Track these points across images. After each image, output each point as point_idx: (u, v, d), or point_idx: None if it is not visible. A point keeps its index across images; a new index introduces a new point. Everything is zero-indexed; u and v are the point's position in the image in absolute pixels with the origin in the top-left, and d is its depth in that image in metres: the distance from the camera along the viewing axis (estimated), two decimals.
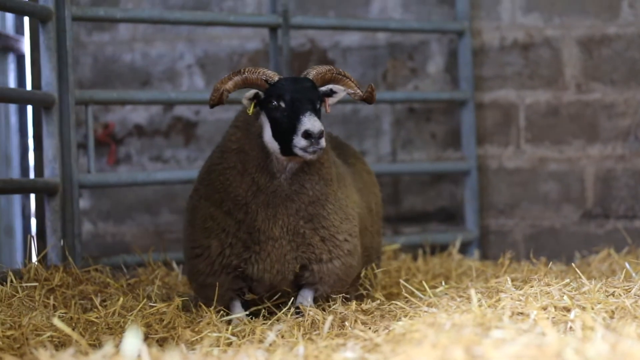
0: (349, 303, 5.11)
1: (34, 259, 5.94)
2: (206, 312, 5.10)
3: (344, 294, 5.27)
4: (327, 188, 5.19)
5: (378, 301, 5.23)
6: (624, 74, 7.80)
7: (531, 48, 7.90)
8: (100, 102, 6.60)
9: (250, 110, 5.07)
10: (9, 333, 4.59)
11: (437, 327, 3.88)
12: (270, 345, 4.32)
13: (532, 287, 4.86)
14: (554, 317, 4.31)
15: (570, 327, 4.11)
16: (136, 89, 8.06)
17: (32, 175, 6.97)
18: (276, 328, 4.69)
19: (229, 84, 5.04)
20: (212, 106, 5.07)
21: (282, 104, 4.99)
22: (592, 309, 4.41)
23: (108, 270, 6.14)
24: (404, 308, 4.95)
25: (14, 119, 7.54)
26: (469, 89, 7.82)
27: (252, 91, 5.05)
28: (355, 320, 4.85)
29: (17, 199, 7.56)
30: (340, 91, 5.16)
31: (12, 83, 7.51)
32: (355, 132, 7.97)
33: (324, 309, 5.13)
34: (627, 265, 5.85)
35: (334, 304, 5.12)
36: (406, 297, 5.27)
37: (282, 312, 5.09)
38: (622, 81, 7.79)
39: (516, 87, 7.93)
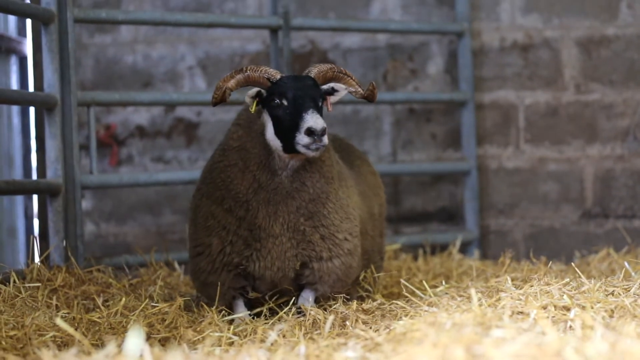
0: (350, 303, 5.12)
1: (37, 259, 5.95)
2: (208, 312, 5.11)
3: (345, 295, 5.28)
4: (327, 186, 5.20)
5: (379, 301, 5.24)
6: (622, 74, 7.82)
7: (530, 49, 7.92)
8: (102, 104, 6.60)
9: (253, 109, 5.08)
10: (12, 333, 4.59)
11: (437, 326, 3.89)
12: (272, 344, 4.32)
13: (532, 286, 4.86)
14: (553, 316, 4.31)
15: (570, 326, 4.12)
16: (138, 90, 8.07)
17: (34, 176, 7.00)
18: (277, 328, 4.69)
19: (232, 82, 5.05)
20: (214, 104, 5.08)
21: (285, 102, 5.01)
22: (592, 308, 4.41)
23: (110, 271, 6.15)
24: (405, 307, 4.96)
25: (16, 121, 7.55)
26: (468, 89, 7.84)
27: (255, 89, 5.06)
28: (356, 320, 4.85)
29: (19, 199, 7.57)
30: (342, 89, 5.17)
31: (14, 85, 7.53)
32: (356, 132, 7.99)
33: (325, 309, 5.13)
34: (626, 264, 5.85)
35: (335, 304, 5.13)
36: (407, 297, 5.27)
37: (283, 311, 5.10)
38: (621, 82, 7.81)
39: (516, 88, 7.95)
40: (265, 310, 5.26)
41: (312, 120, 4.91)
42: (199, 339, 4.67)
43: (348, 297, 5.31)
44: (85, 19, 6.44)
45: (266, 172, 5.12)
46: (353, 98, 5.76)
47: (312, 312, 4.93)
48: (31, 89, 7.26)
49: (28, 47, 7.39)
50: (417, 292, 5.29)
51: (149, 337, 4.76)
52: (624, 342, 3.41)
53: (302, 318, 4.94)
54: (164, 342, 4.75)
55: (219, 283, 5.23)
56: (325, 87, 5.14)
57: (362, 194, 5.65)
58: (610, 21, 7.83)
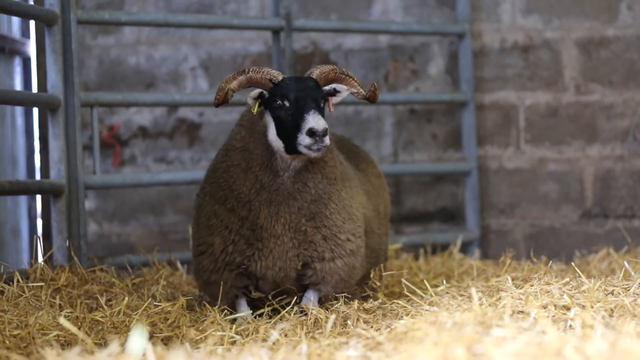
0: (351, 302, 5.14)
1: (40, 259, 5.95)
2: (210, 311, 5.12)
3: (348, 294, 5.29)
4: (330, 187, 5.21)
5: (380, 300, 5.25)
6: (622, 75, 7.83)
7: (531, 50, 7.94)
8: (105, 104, 6.61)
9: (255, 110, 5.09)
10: (15, 332, 4.59)
11: (438, 325, 3.90)
12: (274, 343, 4.33)
13: (532, 286, 4.86)
14: (554, 316, 4.31)
15: (570, 326, 4.12)
16: (141, 91, 8.09)
17: (38, 177, 7.01)
18: (279, 327, 4.69)
19: (234, 84, 5.06)
20: (217, 105, 5.09)
21: (286, 103, 5.02)
22: (592, 307, 4.41)
23: (113, 270, 6.15)
24: (406, 307, 4.96)
25: (20, 121, 7.56)
26: (469, 90, 7.86)
27: (257, 90, 5.07)
28: (358, 319, 4.85)
29: (23, 200, 7.58)
30: (344, 90, 5.18)
31: (18, 86, 7.53)
32: (357, 133, 8.00)
33: (327, 308, 5.14)
34: (626, 264, 5.85)
35: (336, 303, 5.15)
36: (408, 296, 5.28)
37: (285, 311, 5.11)
38: (620, 82, 7.83)
39: (516, 89, 7.96)
40: (267, 309, 5.27)
41: (314, 121, 4.92)
42: (201, 338, 4.67)
43: (350, 296, 5.31)
44: (88, 20, 6.45)
45: (268, 173, 5.14)
46: (355, 99, 5.78)
47: (313, 312, 4.94)
48: (35, 89, 7.29)
49: (32, 49, 7.41)
50: (418, 291, 5.29)
51: (151, 336, 4.76)
52: (623, 341, 3.42)
53: (303, 317, 4.95)
54: (166, 341, 4.75)
55: (222, 282, 5.25)
56: (327, 88, 5.15)
57: (367, 192, 5.66)
58: (610, 22, 7.85)
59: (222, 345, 4.53)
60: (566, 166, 7.91)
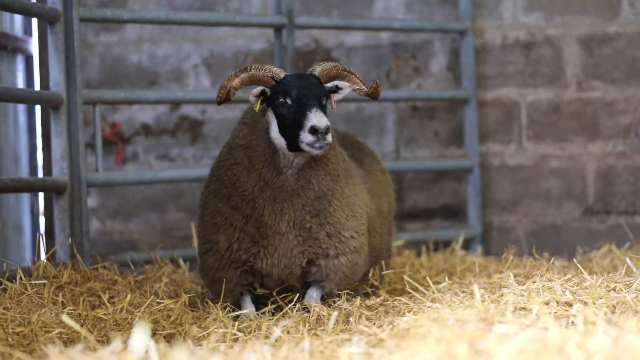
0: (354, 299, 5.15)
1: (43, 256, 5.96)
2: (213, 309, 5.13)
3: (350, 291, 5.30)
4: (333, 184, 5.21)
5: (382, 297, 5.25)
6: (624, 72, 7.84)
7: (533, 47, 7.94)
8: (108, 102, 6.61)
9: (257, 107, 5.09)
10: (18, 330, 4.60)
11: (440, 322, 3.90)
12: (276, 340, 4.33)
13: (534, 282, 4.87)
14: (556, 312, 4.31)
15: (572, 322, 4.12)
16: (143, 88, 8.10)
17: (40, 174, 7.01)
18: (282, 324, 4.70)
19: (236, 81, 5.07)
20: (219, 103, 5.10)
21: (289, 101, 5.02)
22: (594, 303, 4.42)
23: (116, 268, 6.16)
24: (408, 303, 4.97)
25: (22, 119, 7.57)
26: (471, 87, 7.86)
27: (259, 88, 5.08)
28: (360, 316, 4.85)
29: (26, 197, 7.59)
30: (346, 87, 5.19)
31: (20, 83, 7.54)
32: (359, 130, 8.01)
33: (329, 305, 5.15)
34: (628, 260, 5.85)
35: (339, 300, 5.15)
36: (410, 293, 5.29)
37: (287, 308, 5.12)
38: (622, 79, 7.83)
39: (518, 86, 7.97)
40: (270, 306, 5.28)
41: (316, 118, 4.92)
42: (203, 335, 4.68)
43: (352, 293, 5.32)
44: (90, 18, 6.46)
45: (271, 170, 5.14)
46: (357, 96, 5.78)
47: (316, 309, 4.95)
48: (37, 87, 7.28)
49: (34, 46, 7.42)
50: (421, 288, 5.29)
51: (154, 334, 4.77)
52: (625, 337, 3.43)
53: (306, 314, 4.96)
54: (169, 339, 4.76)
55: (227, 279, 5.26)
56: (329, 85, 5.15)
57: (370, 191, 5.66)
58: (612, 19, 7.85)
59: (225, 342, 4.54)
60: (568, 163, 7.91)
